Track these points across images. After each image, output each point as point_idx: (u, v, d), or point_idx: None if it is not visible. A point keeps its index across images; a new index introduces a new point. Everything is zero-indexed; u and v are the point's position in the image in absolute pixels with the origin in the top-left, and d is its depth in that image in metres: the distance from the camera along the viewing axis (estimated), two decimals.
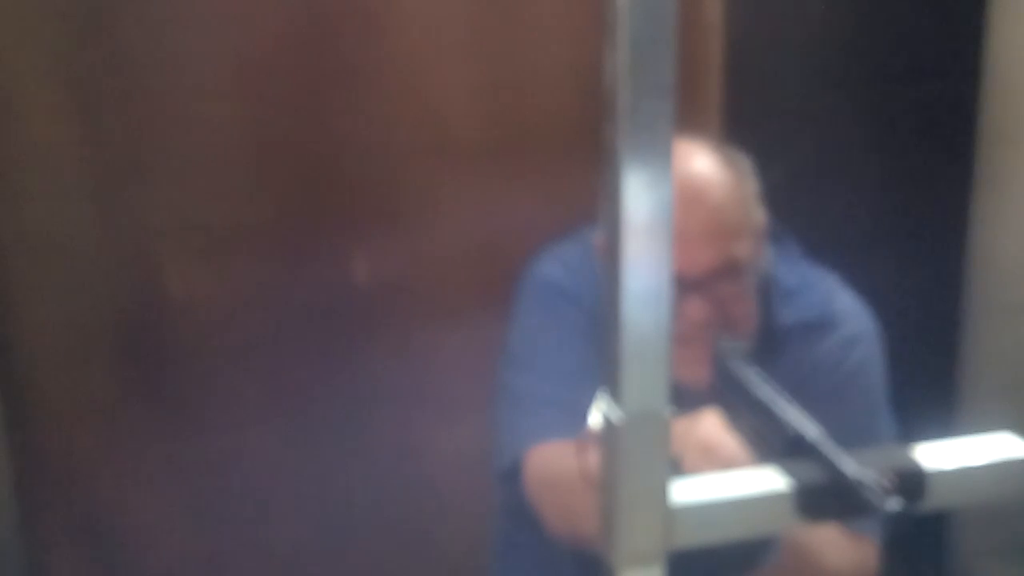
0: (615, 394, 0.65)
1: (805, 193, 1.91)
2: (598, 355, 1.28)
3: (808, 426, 0.91)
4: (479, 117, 1.73)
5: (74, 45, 1.61)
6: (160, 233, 1.71)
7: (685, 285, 1.16)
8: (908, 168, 2.18)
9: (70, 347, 1.72)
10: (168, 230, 1.71)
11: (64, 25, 1.60)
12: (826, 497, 0.71)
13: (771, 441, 0.95)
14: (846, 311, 1.35)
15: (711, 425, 1.05)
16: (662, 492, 0.67)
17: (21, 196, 1.66)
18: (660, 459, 0.66)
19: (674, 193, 0.64)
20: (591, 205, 1.38)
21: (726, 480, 0.70)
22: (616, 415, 0.65)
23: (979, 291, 1.96)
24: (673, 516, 0.67)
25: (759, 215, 1.29)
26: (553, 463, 1.23)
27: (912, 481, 0.71)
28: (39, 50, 1.60)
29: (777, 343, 1.32)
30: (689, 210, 1.18)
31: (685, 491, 0.68)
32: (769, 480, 0.70)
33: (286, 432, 1.79)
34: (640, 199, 0.62)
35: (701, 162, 1.24)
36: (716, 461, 1.00)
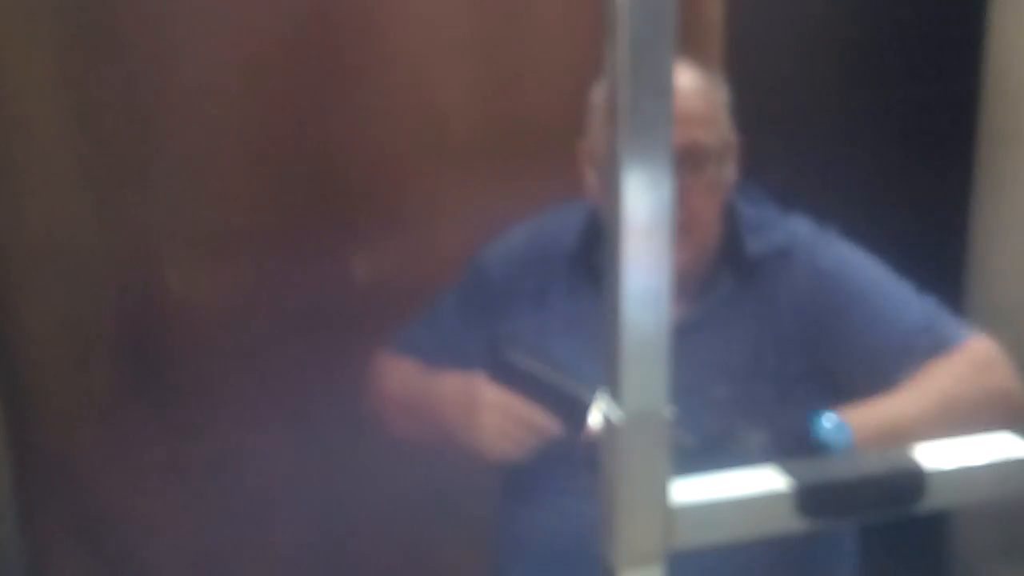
0: (615, 394, 0.65)
1: (805, 192, 1.90)
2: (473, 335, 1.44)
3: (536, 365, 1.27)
4: (479, 117, 1.73)
5: (74, 45, 1.61)
6: (160, 233, 1.71)
7: None
8: (908, 168, 2.18)
9: (70, 347, 1.72)
10: (168, 230, 1.71)
11: (64, 25, 1.60)
12: (826, 497, 0.70)
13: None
14: (805, 232, 1.42)
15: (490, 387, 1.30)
16: (662, 492, 0.67)
17: (21, 196, 1.66)
18: (660, 459, 0.66)
19: None
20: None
21: (726, 480, 0.70)
22: (616, 415, 0.65)
23: (979, 291, 1.96)
24: (673, 516, 0.67)
25: (729, 127, 1.38)
26: (397, 375, 1.51)
27: (912, 481, 0.71)
28: (39, 50, 1.60)
29: (752, 272, 1.38)
30: None
31: (685, 491, 0.68)
32: (769, 480, 0.70)
33: (286, 432, 1.78)
34: (640, 199, 0.62)
35: (677, 64, 1.30)
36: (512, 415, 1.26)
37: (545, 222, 1.50)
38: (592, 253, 1.39)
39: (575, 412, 1.21)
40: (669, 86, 0.61)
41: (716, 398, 1.32)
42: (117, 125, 1.65)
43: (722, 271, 1.39)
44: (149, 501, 1.79)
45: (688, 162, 1.27)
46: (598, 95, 1.37)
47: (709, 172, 1.32)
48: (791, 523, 0.69)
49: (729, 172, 1.38)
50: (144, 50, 1.63)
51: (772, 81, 2.05)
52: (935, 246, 2.07)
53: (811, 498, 0.69)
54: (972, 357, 1.29)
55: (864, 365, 1.33)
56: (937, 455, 0.72)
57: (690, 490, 0.68)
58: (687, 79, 1.33)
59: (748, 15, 1.85)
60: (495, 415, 1.29)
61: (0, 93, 1.61)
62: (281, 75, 1.67)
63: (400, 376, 1.51)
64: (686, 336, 1.27)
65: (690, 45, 1.68)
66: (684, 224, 1.29)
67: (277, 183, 1.72)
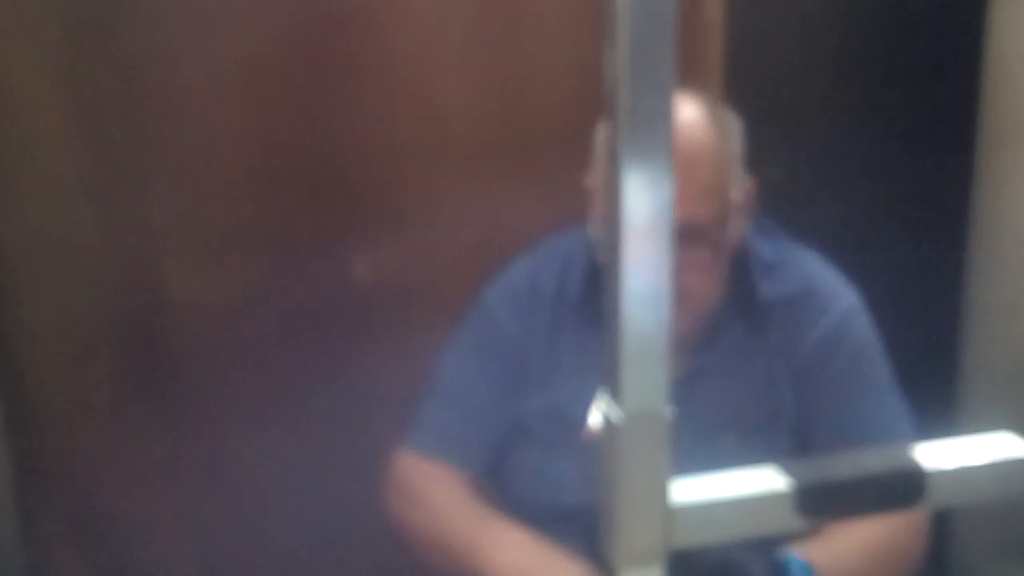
0: (615, 394, 0.65)
1: (805, 193, 1.91)
2: (509, 388, 1.36)
3: None
4: (479, 116, 1.73)
5: (74, 45, 1.61)
6: (160, 233, 1.71)
7: None
8: (908, 168, 2.18)
9: (70, 347, 1.72)
10: (168, 230, 1.71)
11: (64, 25, 1.60)
12: (826, 497, 0.70)
13: None
14: (827, 284, 1.36)
15: None
16: (662, 492, 0.67)
17: (21, 196, 1.66)
18: (660, 459, 0.66)
19: None
20: (588, 205, 1.40)
21: (726, 480, 0.70)
22: (616, 415, 0.65)
23: (979, 291, 1.96)
24: (673, 516, 0.67)
25: (740, 178, 1.29)
26: (419, 482, 1.41)
27: (912, 481, 0.71)
28: (39, 50, 1.60)
29: (761, 318, 1.33)
30: None
31: (685, 491, 0.68)
32: (769, 480, 0.70)
33: (286, 432, 1.78)
34: (640, 199, 0.62)
35: (684, 117, 1.22)
36: None
37: (545, 261, 1.44)
38: (597, 299, 1.35)
39: None
40: (669, 86, 0.61)
41: (726, 449, 1.26)
42: (117, 125, 1.65)
43: (732, 319, 1.33)
44: (149, 501, 1.79)
45: (684, 238, 1.20)
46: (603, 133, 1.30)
47: (707, 245, 1.24)
48: (791, 523, 0.69)
49: (736, 230, 1.29)
50: (144, 50, 1.63)
51: (771, 80, 2.05)
52: (935, 245, 2.07)
53: (811, 498, 0.69)
54: (907, 524, 1.28)
55: (814, 443, 1.31)
56: (937, 455, 0.72)
57: (690, 490, 0.68)
58: (696, 140, 1.22)
59: (748, 15, 1.85)
60: None
61: (1, 93, 1.61)
62: (281, 75, 1.67)
63: (436, 510, 1.39)
64: (694, 386, 1.25)
65: (690, 46, 1.68)
66: (680, 295, 1.26)
67: (277, 183, 1.72)
